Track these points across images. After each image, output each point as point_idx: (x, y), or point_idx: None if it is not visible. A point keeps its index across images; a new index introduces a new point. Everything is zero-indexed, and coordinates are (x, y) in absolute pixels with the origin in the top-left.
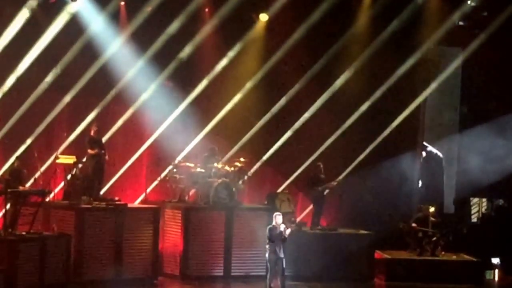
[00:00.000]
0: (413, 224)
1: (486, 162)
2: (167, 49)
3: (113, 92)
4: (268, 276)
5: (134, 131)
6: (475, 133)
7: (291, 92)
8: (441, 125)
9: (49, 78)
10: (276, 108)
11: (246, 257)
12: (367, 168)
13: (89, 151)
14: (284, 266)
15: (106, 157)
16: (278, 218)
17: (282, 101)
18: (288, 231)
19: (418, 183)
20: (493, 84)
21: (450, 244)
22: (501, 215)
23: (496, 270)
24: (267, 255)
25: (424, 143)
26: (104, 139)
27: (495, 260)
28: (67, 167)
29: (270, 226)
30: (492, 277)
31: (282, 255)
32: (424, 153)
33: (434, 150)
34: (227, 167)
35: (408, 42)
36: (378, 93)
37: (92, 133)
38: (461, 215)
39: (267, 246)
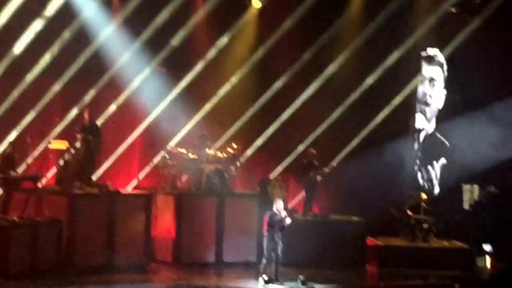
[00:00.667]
0: (408, 211)
1: (477, 148)
2: (159, 35)
3: (105, 78)
4: (262, 262)
5: (127, 117)
6: (466, 119)
7: (284, 79)
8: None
9: (41, 63)
10: (268, 94)
11: (238, 243)
12: (360, 155)
13: (77, 136)
14: (280, 253)
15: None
16: (278, 203)
17: (275, 87)
18: (288, 220)
19: (412, 169)
20: (485, 71)
21: (442, 230)
22: (492, 202)
23: (488, 257)
24: (265, 241)
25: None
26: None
27: (487, 247)
28: (60, 153)
29: (271, 212)
30: (483, 264)
31: (279, 242)
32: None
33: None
34: (219, 153)
35: (400, 29)
36: (370, 80)
37: (84, 119)
38: (453, 201)
39: (265, 233)
